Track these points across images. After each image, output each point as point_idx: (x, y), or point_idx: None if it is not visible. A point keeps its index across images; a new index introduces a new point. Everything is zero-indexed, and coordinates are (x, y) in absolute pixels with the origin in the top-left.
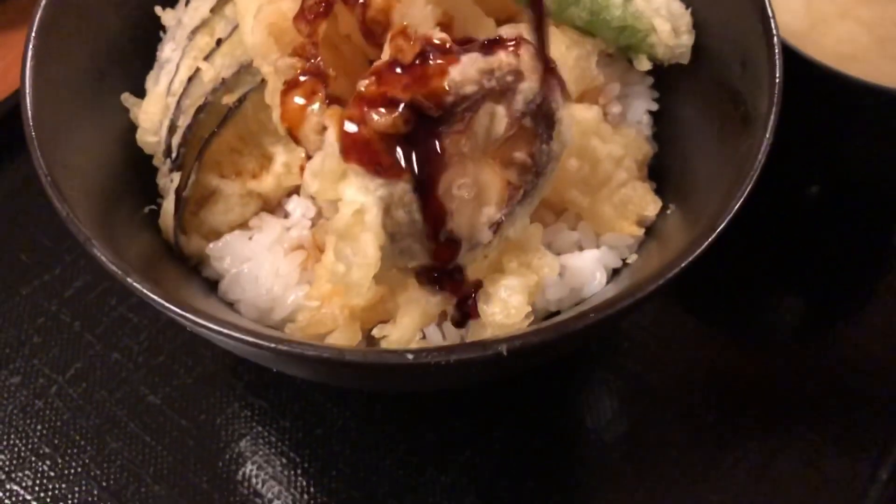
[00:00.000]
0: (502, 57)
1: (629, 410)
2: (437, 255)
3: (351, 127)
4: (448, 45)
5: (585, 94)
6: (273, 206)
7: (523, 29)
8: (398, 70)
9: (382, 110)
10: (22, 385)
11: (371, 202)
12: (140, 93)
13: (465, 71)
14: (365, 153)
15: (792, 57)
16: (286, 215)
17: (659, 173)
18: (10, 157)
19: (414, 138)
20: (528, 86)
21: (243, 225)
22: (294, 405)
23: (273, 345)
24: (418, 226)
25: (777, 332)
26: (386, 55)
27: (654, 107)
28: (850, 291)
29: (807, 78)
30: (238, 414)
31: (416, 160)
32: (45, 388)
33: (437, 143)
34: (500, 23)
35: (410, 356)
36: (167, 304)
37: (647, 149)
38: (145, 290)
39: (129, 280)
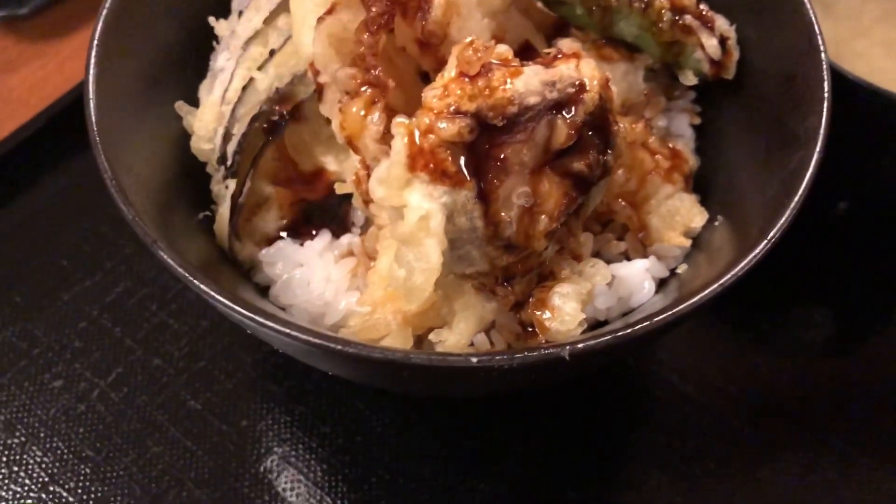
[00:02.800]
0: (563, 69)
1: (666, 420)
2: (494, 262)
3: (418, 136)
4: (511, 58)
5: (632, 107)
6: (324, 212)
7: (577, 44)
8: (464, 81)
9: (448, 121)
10: (64, 389)
11: (435, 209)
12: (193, 101)
13: (528, 82)
14: (431, 161)
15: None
16: (338, 222)
17: (703, 186)
18: (53, 165)
19: (477, 147)
20: (589, 96)
21: (295, 230)
22: (334, 411)
23: (340, 347)
24: (478, 233)
25: (810, 345)
26: (452, 67)
27: (698, 120)
28: (880, 305)
29: (842, 94)
30: (278, 420)
31: (479, 169)
32: (87, 392)
33: (499, 152)
34: (548, 38)
35: (475, 359)
36: (236, 307)
37: (692, 161)
38: (213, 293)
39: (196, 282)
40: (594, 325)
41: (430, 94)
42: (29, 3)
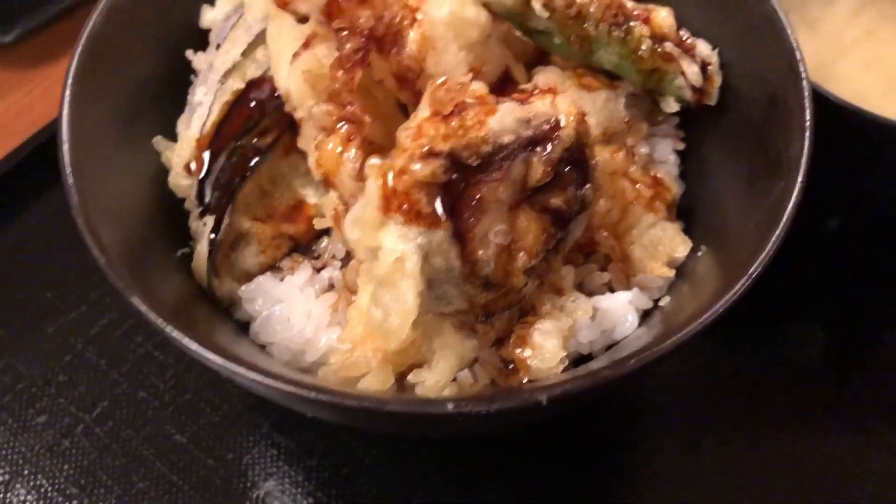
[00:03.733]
0: (538, 106)
1: (657, 446)
2: (473, 300)
3: (391, 178)
4: (485, 96)
5: (613, 135)
6: (304, 246)
7: (556, 75)
8: (438, 121)
9: (423, 161)
10: (48, 424)
11: (410, 250)
12: (171, 136)
13: (502, 120)
14: (405, 203)
15: (814, 95)
16: (317, 256)
17: (687, 213)
18: (36, 195)
19: (452, 187)
20: (565, 133)
21: (274, 266)
22: (320, 444)
23: (314, 394)
24: (456, 272)
25: (802, 360)
26: (425, 107)
27: (681, 146)
28: (872, 320)
29: (827, 115)
30: (265, 453)
31: (455, 208)
32: (71, 426)
33: (474, 191)
34: (528, 66)
35: (451, 405)
36: (207, 355)
37: (675, 189)
38: (186, 341)
39: (168, 330)
40: (577, 359)
41: (404, 135)
42: (14, 30)
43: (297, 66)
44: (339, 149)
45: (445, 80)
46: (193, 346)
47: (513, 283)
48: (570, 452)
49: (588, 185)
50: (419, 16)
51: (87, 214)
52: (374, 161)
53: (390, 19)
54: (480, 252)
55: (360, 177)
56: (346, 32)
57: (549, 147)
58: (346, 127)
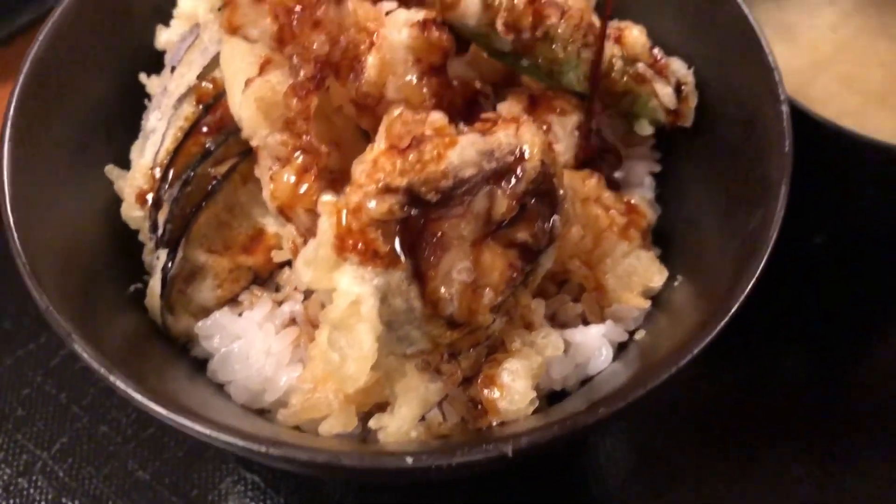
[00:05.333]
0: (501, 137)
1: (638, 477)
2: (437, 340)
3: (346, 216)
4: (445, 127)
5: (587, 158)
6: (264, 277)
7: (521, 102)
8: (394, 155)
9: (378, 198)
10: (4, 462)
11: (367, 292)
12: (125, 164)
13: (463, 153)
14: (360, 242)
15: (794, 112)
16: (277, 288)
17: (663, 237)
18: None
19: (411, 223)
20: (530, 165)
21: (233, 300)
22: (289, 480)
23: (264, 448)
24: (416, 313)
25: (790, 375)
26: (381, 140)
27: (657, 168)
28: (858, 335)
29: (806, 131)
30: (231, 489)
31: (414, 247)
32: (29, 464)
33: (435, 227)
34: (496, 87)
35: (410, 459)
36: (152, 406)
37: (650, 216)
38: (130, 391)
39: (111, 378)
40: (550, 394)
41: (359, 170)
42: None
43: (250, 94)
44: (294, 180)
45: (402, 112)
46: (137, 396)
47: (479, 321)
48: (547, 482)
49: (556, 217)
50: (377, 39)
51: (29, 253)
52: (327, 198)
53: (346, 44)
54: (443, 291)
55: (316, 210)
56: (299, 59)
57: (513, 180)
58: (301, 157)
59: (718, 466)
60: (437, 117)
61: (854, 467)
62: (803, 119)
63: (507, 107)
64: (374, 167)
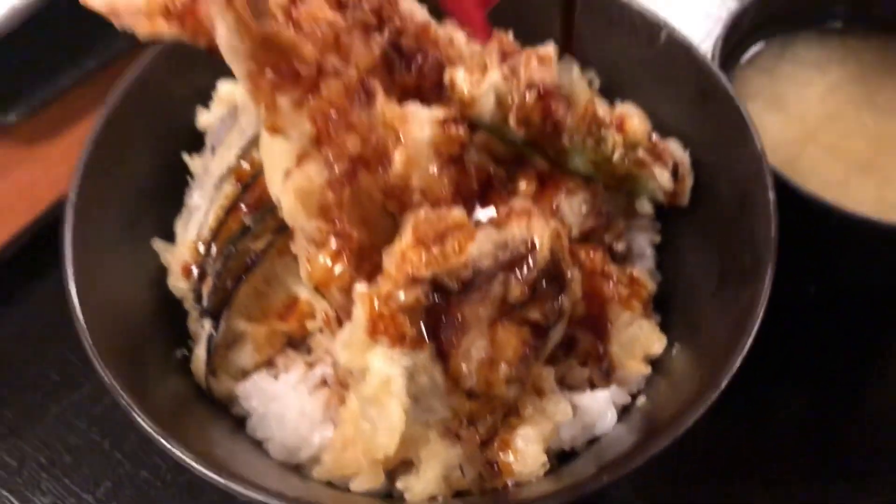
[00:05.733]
0: (514, 230)
1: None
2: (457, 410)
3: (377, 304)
4: (464, 222)
5: (592, 232)
6: (297, 340)
7: (531, 182)
8: (420, 249)
9: (406, 289)
10: None
11: (396, 372)
12: (170, 236)
13: (481, 247)
14: (390, 328)
15: (782, 185)
16: (309, 350)
17: (664, 303)
18: (40, 276)
19: (435, 309)
20: (541, 255)
21: (270, 362)
22: None
23: None
24: (440, 388)
25: (785, 421)
26: (408, 234)
27: (658, 238)
28: (851, 382)
29: (793, 202)
30: None
31: (437, 329)
32: None
33: (456, 311)
34: (508, 169)
35: None
36: (192, 464)
37: (651, 286)
38: (185, 458)
39: (169, 446)
40: (559, 453)
41: (389, 262)
42: (15, 110)
43: (290, 185)
44: (330, 262)
45: (426, 213)
46: (185, 457)
47: (495, 392)
48: None
49: (564, 297)
50: (403, 137)
51: (87, 319)
52: (361, 288)
53: (376, 142)
54: (463, 367)
55: (349, 289)
56: (334, 157)
57: (525, 269)
58: (335, 242)
59: None
60: (458, 213)
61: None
62: (788, 190)
63: (520, 203)
64: (402, 260)
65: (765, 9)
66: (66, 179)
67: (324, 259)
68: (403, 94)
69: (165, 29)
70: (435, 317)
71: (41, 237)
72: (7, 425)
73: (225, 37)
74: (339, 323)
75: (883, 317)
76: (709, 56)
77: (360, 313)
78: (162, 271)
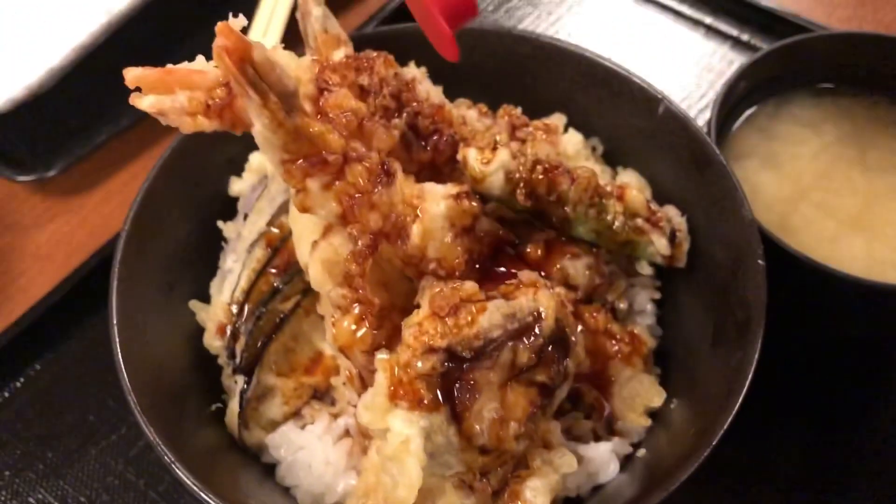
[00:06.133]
0: (522, 301)
1: None
2: (470, 464)
3: (397, 371)
4: (476, 294)
5: (596, 291)
6: (322, 392)
7: (539, 247)
8: (436, 320)
9: (423, 358)
10: None
11: (415, 433)
12: (206, 297)
13: (491, 318)
14: (409, 393)
15: (774, 246)
16: (333, 402)
17: (664, 357)
18: (76, 324)
19: (449, 375)
20: (546, 325)
21: (297, 413)
22: None
23: None
24: (455, 446)
25: (780, 468)
26: (425, 306)
27: (657, 295)
28: (851, 425)
29: (784, 260)
30: None
31: (451, 393)
32: None
33: (468, 376)
34: (518, 233)
35: None
36: None
37: (651, 342)
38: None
39: (206, 497)
40: (565, 500)
41: (408, 333)
42: (57, 165)
43: (317, 256)
44: (353, 327)
45: (441, 288)
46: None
47: (505, 447)
48: None
49: (569, 360)
50: (420, 212)
51: (130, 374)
52: (381, 356)
53: (395, 218)
54: (476, 427)
55: (370, 350)
56: (357, 231)
57: (532, 337)
58: (358, 308)
59: None
60: (470, 286)
61: None
62: (779, 249)
63: (527, 275)
64: (419, 331)
65: (760, 71)
66: (101, 230)
67: (348, 324)
68: (420, 168)
69: (206, 125)
70: (450, 381)
71: (80, 286)
72: (49, 465)
73: (260, 132)
74: (361, 380)
75: (869, 364)
76: (708, 117)
77: (381, 379)
78: (199, 330)
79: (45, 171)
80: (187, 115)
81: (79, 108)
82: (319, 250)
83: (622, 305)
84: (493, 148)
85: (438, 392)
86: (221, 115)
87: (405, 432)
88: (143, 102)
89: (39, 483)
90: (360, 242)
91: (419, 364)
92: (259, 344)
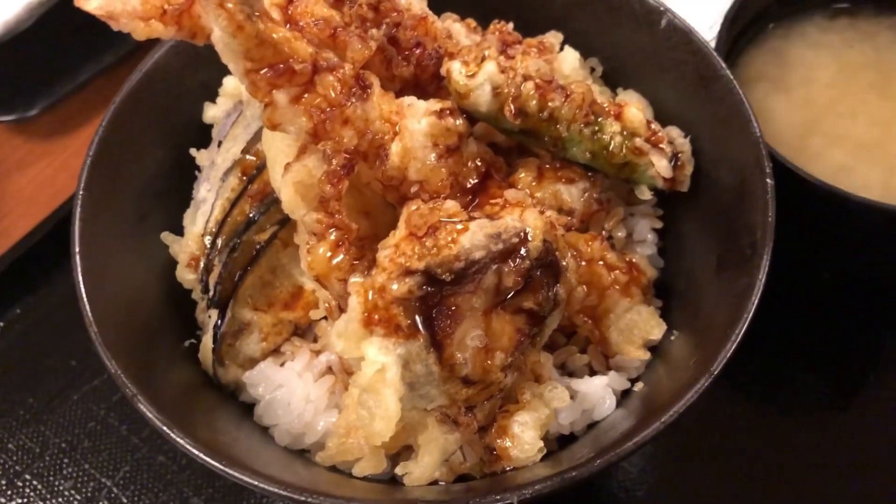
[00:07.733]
0: (507, 221)
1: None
2: (454, 397)
3: (372, 295)
4: (458, 213)
5: (593, 219)
6: (303, 329)
7: (531, 172)
8: (413, 241)
9: (400, 280)
10: (74, 489)
11: (391, 361)
12: (179, 229)
13: (473, 238)
14: (384, 318)
15: (789, 173)
16: (315, 338)
17: (666, 288)
18: (58, 267)
19: (428, 300)
20: (533, 245)
21: (277, 350)
22: None
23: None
24: (435, 376)
25: (798, 405)
26: (402, 227)
27: (659, 224)
28: (864, 368)
29: (799, 188)
30: None
31: (431, 320)
32: (95, 492)
33: (450, 301)
34: (508, 159)
35: None
36: (206, 459)
37: (651, 272)
38: (187, 445)
39: (172, 435)
40: (559, 438)
41: (383, 255)
42: (38, 104)
43: (289, 178)
44: (329, 254)
45: (419, 205)
46: (195, 452)
47: (491, 379)
48: None
49: (559, 286)
50: (399, 129)
51: (97, 317)
52: (355, 279)
53: (372, 135)
54: (458, 356)
55: (349, 280)
56: (331, 150)
57: (518, 259)
58: (335, 234)
59: (731, 492)
60: (451, 205)
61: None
62: (793, 176)
63: (512, 193)
64: (395, 252)
65: None
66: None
67: (323, 250)
68: (403, 87)
69: (162, 31)
70: (428, 308)
71: (62, 228)
72: (30, 411)
73: (219, 37)
74: (341, 311)
75: (884, 304)
76: (716, 38)
77: (354, 304)
78: (172, 264)
79: (26, 111)
80: (140, 19)
81: (60, 45)
82: (292, 172)
83: (620, 234)
84: (481, 61)
85: (417, 318)
86: (179, 22)
87: (380, 360)
88: (90, 4)
89: (19, 429)
90: (334, 162)
91: (395, 287)
92: (234, 277)
